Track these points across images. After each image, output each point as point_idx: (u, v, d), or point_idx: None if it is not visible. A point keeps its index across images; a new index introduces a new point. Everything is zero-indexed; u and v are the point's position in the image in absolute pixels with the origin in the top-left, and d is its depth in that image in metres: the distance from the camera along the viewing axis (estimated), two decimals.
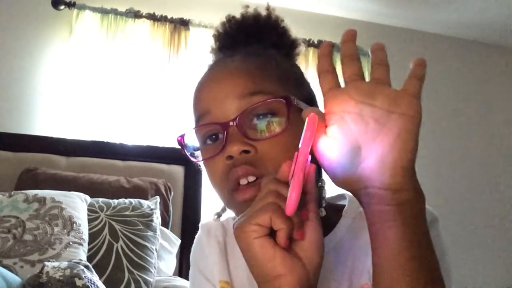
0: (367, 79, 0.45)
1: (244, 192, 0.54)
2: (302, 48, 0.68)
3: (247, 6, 0.67)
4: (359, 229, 0.58)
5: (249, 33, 0.65)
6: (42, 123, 2.24)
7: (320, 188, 0.59)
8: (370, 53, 0.46)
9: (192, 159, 0.61)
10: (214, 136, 0.58)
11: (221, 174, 0.56)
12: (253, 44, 0.64)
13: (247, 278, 0.60)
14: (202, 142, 0.60)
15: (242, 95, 0.56)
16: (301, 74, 0.66)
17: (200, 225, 0.69)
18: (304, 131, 0.44)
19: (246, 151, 0.54)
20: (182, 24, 2.50)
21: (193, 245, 0.69)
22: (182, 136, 0.61)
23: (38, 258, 1.29)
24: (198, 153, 0.62)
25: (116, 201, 1.66)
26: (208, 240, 0.66)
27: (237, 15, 0.67)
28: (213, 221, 0.66)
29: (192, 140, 0.62)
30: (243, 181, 0.54)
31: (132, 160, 2.05)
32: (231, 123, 0.55)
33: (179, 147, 0.62)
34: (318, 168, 0.60)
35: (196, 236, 0.69)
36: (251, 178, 0.54)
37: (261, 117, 0.55)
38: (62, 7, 2.36)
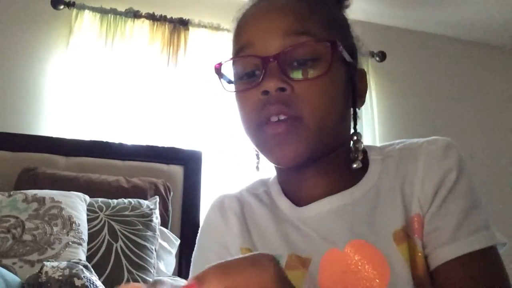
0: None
1: (274, 127, 0.54)
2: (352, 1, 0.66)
3: None
4: (390, 169, 0.59)
5: None
6: (42, 123, 2.24)
7: (356, 142, 0.60)
8: None
9: (226, 88, 0.61)
10: (251, 70, 0.57)
11: (252, 107, 0.56)
12: None
13: (271, 247, 0.59)
14: (238, 74, 0.59)
15: (288, 33, 0.55)
16: (348, 24, 0.64)
17: (212, 202, 0.68)
18: None
19: (283, 89, 0.53)
20: (182, 24, 2.51)
21: (203, 223, 0.67)
22: (220, 64, 0.60)
23: (37, 258, 1.29)
24: (231, 86, 0.61)
25: (115, 201, 1.66)
26: (222, 214, 0.64)
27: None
28: (223, 195, 0.67)
29: (228, 72, 0.61)
30: (274, 118, 0.54)
31: (132, 160, 2.05)
32: (271, 59, 0.54)
33: (216, 75, 0.61)
34: (355, 121, 0.62)
35: (207, 214, 0.68)
36: (282, 117, 0.54)
37: (303, 58, 0.55)
38: (62, 7, 2.36)
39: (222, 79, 0.61)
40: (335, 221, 0.57)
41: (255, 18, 0.58)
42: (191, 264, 0.66)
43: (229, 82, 0.61)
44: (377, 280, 0.51)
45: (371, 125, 2.78)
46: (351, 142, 0.61)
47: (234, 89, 0.60)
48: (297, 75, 0.54)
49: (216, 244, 0.63)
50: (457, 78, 3.14)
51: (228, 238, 0.62)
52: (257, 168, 0.65)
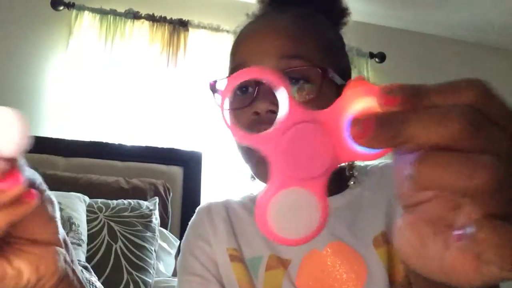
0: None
1: None
2: (350, 18, 0.66)
3: None
4: (373, 183, 0.61)
5: None
6: (41, 123, 2.24)
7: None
8: None
9: (219, 106, 0.61)
10: (244, 88, 0.58)
11: (243, 126, 0.57)
12: (305, 5, 0.62)
13: (253, 248, 0.60)
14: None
15: (282, 56, 0.56)
16: (343, 46, 0.65)
17: (197, 209, 0.68)
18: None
19: (273, 111, 0.54)
20: (181, 25, 2.51)
21: (190, 229, 0.67)
22: (215, 82, 0.61)
23: None
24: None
25: (115, 201, 1.66)
26: (210, 219, 0.65)
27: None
28: (210, 202, 0.68)
29: (222, 87, 0.63)
30: None
31: (131, 161, 2.05)
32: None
33: (210, 91, 0.61)
34: None
35: (192, 219, 0.67)
36: None
37: (294, 81, 0.55)
38: (61, 7, 2.36)
39: (215, 95, 0.62)
40: None
41: (250, 38, 0.60)
42: (178, 269, 0.65)
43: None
44: (353, 281, 0.53)
45: None
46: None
47: (227, 106, 0.60)
48: None
49: (203, 243, 0.63)
50: (454, 79, 3.14)
51: (211, 238, 0.63)
52: (253, 178, 0.65)
